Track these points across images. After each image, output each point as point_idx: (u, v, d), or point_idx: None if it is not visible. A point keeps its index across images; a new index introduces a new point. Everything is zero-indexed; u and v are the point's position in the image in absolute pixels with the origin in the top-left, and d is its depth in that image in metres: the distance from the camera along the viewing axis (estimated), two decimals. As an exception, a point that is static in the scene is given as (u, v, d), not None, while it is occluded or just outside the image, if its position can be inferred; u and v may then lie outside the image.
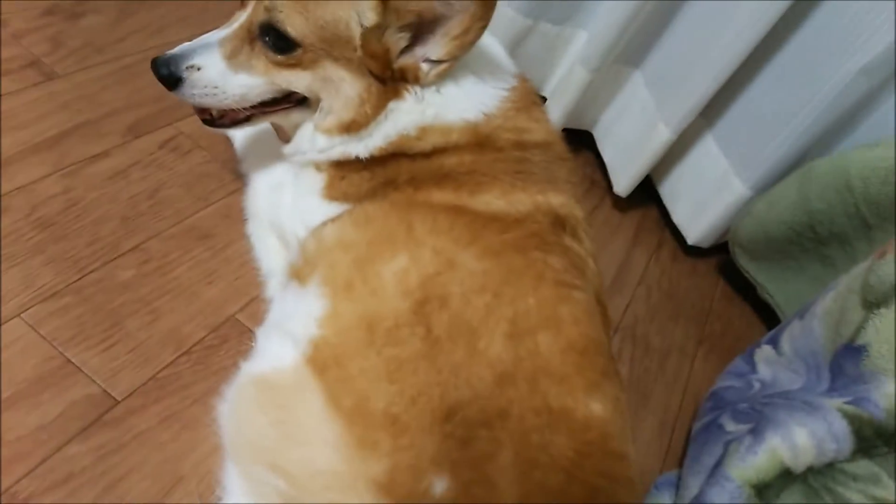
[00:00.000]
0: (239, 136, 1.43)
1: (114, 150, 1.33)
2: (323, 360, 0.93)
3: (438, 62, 1.12)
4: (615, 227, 1.90)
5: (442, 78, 1.15)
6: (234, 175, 1.42)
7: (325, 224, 1.14)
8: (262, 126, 1.34)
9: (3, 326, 1.03)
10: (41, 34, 1.45)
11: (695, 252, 1.92)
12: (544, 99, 1.96)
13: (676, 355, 1.61)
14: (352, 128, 1.15)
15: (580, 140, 2.06)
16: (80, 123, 1.33)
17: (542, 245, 1.08)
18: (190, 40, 1.09)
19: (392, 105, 1.15)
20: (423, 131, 1.16)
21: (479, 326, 0.95)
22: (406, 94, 1.15)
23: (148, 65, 1.09)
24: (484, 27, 1.09)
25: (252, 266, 1.28)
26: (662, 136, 1.74)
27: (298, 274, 1.10)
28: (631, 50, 1.80)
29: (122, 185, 1.28)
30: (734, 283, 1.90)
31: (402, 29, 1.11)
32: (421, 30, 1.11)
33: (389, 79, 1.14)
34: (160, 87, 1.08)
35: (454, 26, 1.08)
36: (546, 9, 1.80)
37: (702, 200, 1.80)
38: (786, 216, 1.59)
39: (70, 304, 1.09)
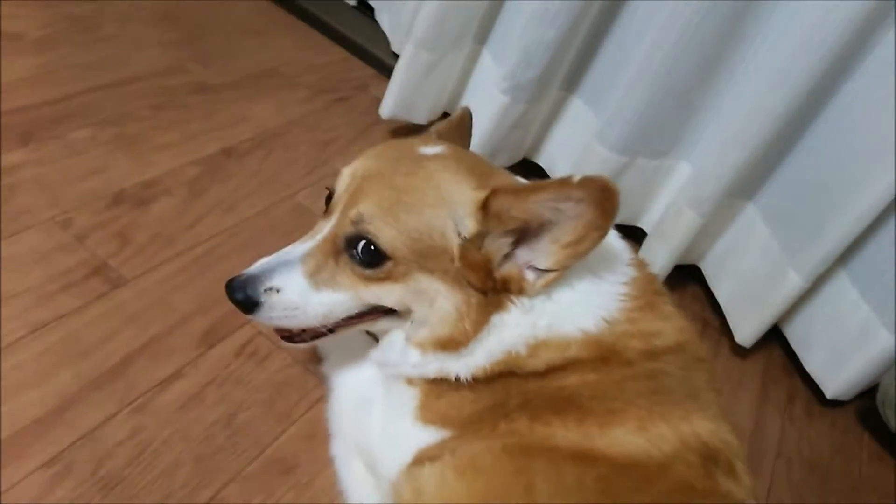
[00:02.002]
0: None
1: (186, 369, 1.19)
2: None
3: (546, 271, 0.96)
4: (738, 379, 1.66)
5: (550, 288, 0.99)
6: (318, 378, 1.27)
7: (423, 465, 0.97)
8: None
9: None
10: (107, 230, 1.34)
11: (830, 401, 1.66)
12: (645, 235, 1.77)
13: (837, 553, 1.35)
14: (449, 345, 1.00)
15: (686, 272, 1.84)
16: (149, 340, 1.20)
17: (695, 497, 0.88)
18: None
19: (496, 319, 0.99)
20: (535, 347, 0.99)
21: None
22: (510, 306, 0.99)
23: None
24: (602, 236, 0.92)
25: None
26: (793, 283, 1.51)
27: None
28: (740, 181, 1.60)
29: (196, 414, 1.14)
30: (881, 437, 1.64)
31: (503, 234, 0.96)
32: (525, 234, 0.97)
33: (491, 290, 0.98)
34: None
35: (565, 233, 0.93)
36: (643, 144, 1.63)
37: (841, 350, 1.56)
38: (951, 382, 1.35)
39: None
